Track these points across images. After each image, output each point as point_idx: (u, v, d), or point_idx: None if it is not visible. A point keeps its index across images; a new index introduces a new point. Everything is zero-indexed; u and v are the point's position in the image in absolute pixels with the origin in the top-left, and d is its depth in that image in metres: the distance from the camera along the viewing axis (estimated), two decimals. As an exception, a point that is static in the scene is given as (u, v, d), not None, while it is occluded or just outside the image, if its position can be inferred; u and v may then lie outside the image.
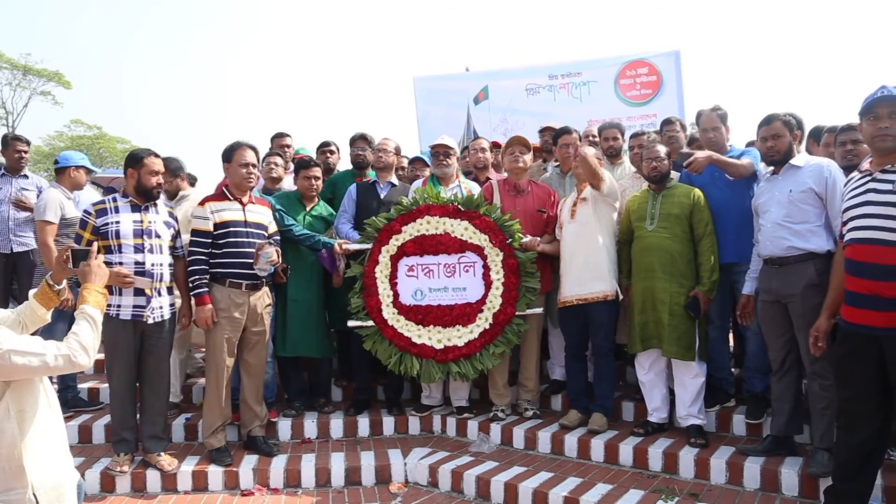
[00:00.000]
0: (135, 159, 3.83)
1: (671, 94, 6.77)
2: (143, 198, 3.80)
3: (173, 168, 4.68)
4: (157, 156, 3.85)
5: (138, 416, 3.99)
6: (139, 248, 3.72)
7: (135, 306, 3.71)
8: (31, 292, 2.49)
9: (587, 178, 4.07)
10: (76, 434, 4.40)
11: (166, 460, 3.91)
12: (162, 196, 4.06)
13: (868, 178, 2.82)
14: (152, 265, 3.75)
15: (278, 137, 5.83)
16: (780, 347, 3.53)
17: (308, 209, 4.74)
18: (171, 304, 3.92)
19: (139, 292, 3.71)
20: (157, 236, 3.81)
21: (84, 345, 2.15)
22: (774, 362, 3.59)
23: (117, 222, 3.71)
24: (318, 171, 4.71)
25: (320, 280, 4.68)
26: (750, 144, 5.21)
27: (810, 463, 3.36)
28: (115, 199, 3.81)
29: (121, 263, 3.65)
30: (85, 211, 3.79)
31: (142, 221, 3.77)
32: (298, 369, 4.82)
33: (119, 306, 3.69)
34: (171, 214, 4.00)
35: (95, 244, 2.54)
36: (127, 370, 3.81)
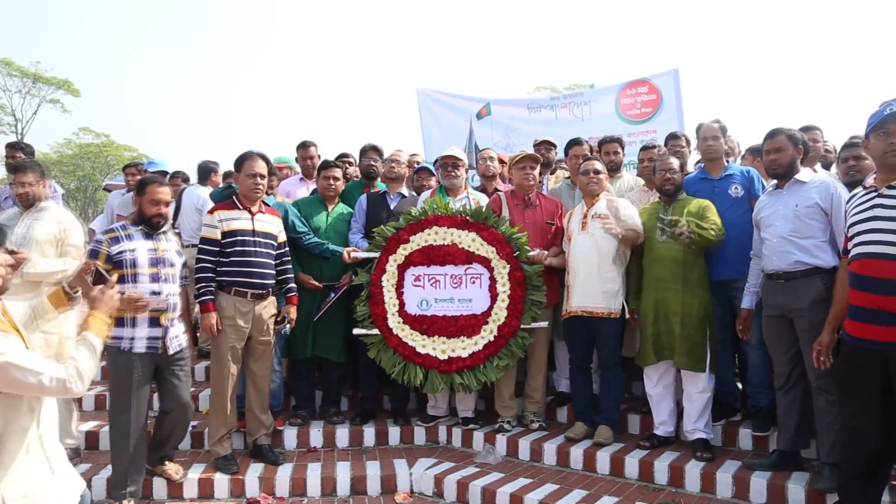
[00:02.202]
0: (139, 187, 3.74)
1: (671, 112, 6.83)
2: (148, 227, 3.68)
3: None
4: (162, 184, 3.72)
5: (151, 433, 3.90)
6: (155, 278, 3.60)
7: (149, 338, 3.58)
8: (46, 290, 2.48)
9: (630, 245, 4.15)
10: (83, 441, 4.41)
11: (172, 468, 3.90)
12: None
13: (874, 193, 2.84)
14: (167, 295, 3.63)
15: (302, 148, 5.92)
16: (785, 362, 3.53)
17: (330, 210, 4.82)
18: (185, 332, 3.85)
19: (154, 323, 3.59)
20: (171, 265, 3.71)
21: (81, 372, 2.09)
22: (780, 377, 3.59)
23: (133, 250, 3.58)
24: (337, 172, 4.79)
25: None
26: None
27: (817, 478, 3.36)
28: (125, 227, 3.68)
29: (132, 339, 3.55)
30: (96, 239, 3.66)
31: (156, 250, 3.66)
32: (311, 374, 4.85)
33: (133, 339, 3.54)
34: (178, 243, 3.94)
35: (115, 276, 2.48)
36: (137, 406, 3.58)
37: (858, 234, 2.84)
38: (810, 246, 3.39)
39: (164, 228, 3.75)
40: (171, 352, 3.66)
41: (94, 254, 3.58)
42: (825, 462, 3.34)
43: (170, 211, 3.81)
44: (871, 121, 2.85)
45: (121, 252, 3.55)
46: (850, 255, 2.90)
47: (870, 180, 2.93)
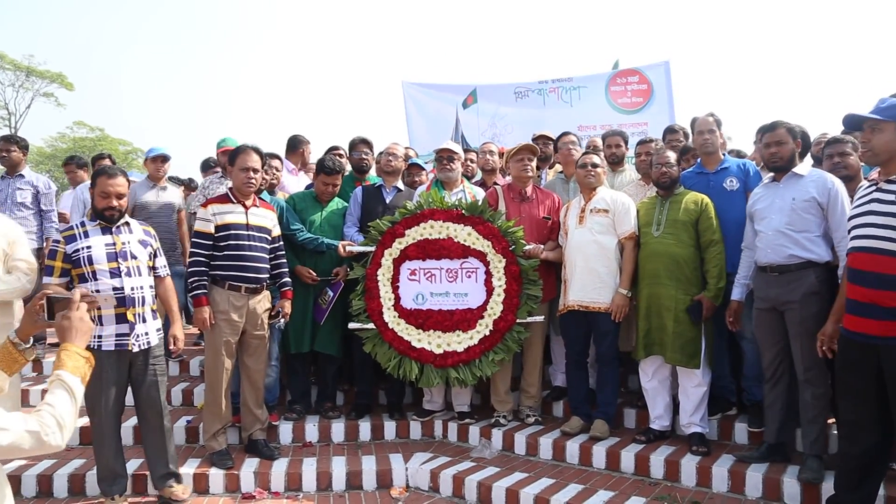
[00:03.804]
0: (91, 179, 3.63)
1: (662, 104, 6.77)
2: (103, 220, 3.54)
3: None
4: (112, 176, 3.52)
5: (145, 454, 3.78)
6: (115, 273, 3.46)
7: (118, 335, 3.45)
8: None
9: None
10: (77, 436, 4.39)
11: (179, 489, 3.73)
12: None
13: (873, 188, 2.84)
14: (132, 289, 3.47)
15: (293, 147, 5.94)
16: (773, 355, 3.56)
17: (325, 205, 4.81)
18: (158, 329, 3.67)
19: (121, 320, 3.45)
20: (133, 257, 3.54)
21: (60, 421, 1.71)
22: (767, 370, 3.61)
23: (88, 248, 3.44)
24: (338, 180, 4.74)
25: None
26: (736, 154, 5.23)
27: (801, 469, 3.38)
28: (83, 224, 3.55)
29: (97, 291, 3.38)
30: (55, 240, 3.58)
31: (114, 244, 3.50)
32: (307, 368, 4.84)
33: (100, 336, 3.41)
34: (147, 232, 3.72)
35: (77, 292, 2.00)
36: (109, 406, 3.50)
37: (855, 227, 2.84)
38: (804, 240, 3.39)
39: (123, 220, 3.60)
40: (134, 350, 3.50)
41: (52, 254, 3.48)
42: (809, 453, 3.38)
43: (125, 203, 3.60)
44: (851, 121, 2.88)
45: (76, 251, 3.43)
46: (847, 248, 2.90)
47: (873, 174, 2.94)
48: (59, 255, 3.46)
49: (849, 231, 2.90)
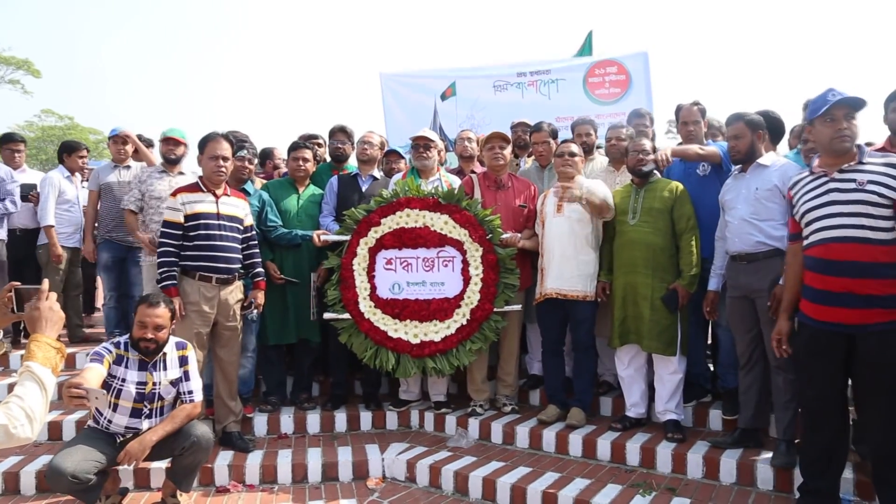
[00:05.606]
0: (134, 308, 3.45)
1: (640, 95, 6.76)
2: (140, 353, 3.39)
3: None
4: (153, 305, 3.34)
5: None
6: (136, 413, 3.37)
7: (127, 427, 3.38)
8: None
9: (596, 216, 4.10)
10: (45, 431, 4.28)
11: (184, 500, 3.58)
12: (171, 344, 3.50)
13: (825, 178, 2.83)
14: (148, 427, 3.39)
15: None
16: (747, 342, 3.59)
17: (301, 192, 4.76)
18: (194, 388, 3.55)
19: (136, 414, 3.37)
20: (161, 398, 3.44)
21: (30, 414, 1.69)
22: (742, 357, 3.64)
23: (123, 381, 3.33)
24: (306, 153, 4.71)
25: (315, 266, 4.64)
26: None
27: (774, 454, 3.43)
28: (127, 347, 3.40)
29: (109, 422, 3.35)
30: (105, 347, 3.38)
31: (146, 384, 3.38)
32: (282, 359, 4.80)
33: (110, 422, 3.36)
34: (181, 365, 3.50)
35: (46, 281, 1.91)
36: (91, 454, 3.20)
37: (817, 219, 2.81)
38: (769, 228, 3.44)
39: (161, 356, 3.43)
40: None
41: (100, 357, 3.28)
42: (782, 438, 3.42)
43: (164, 335, 3.41)
44: (815, 107, 2.84)
45: (113, 377, 3.32)
46: (809, 240, 2.87)
47: (816, 165, 2.93)
48: (105, 361, 3.30)
49: (808, 223, 2.87)
